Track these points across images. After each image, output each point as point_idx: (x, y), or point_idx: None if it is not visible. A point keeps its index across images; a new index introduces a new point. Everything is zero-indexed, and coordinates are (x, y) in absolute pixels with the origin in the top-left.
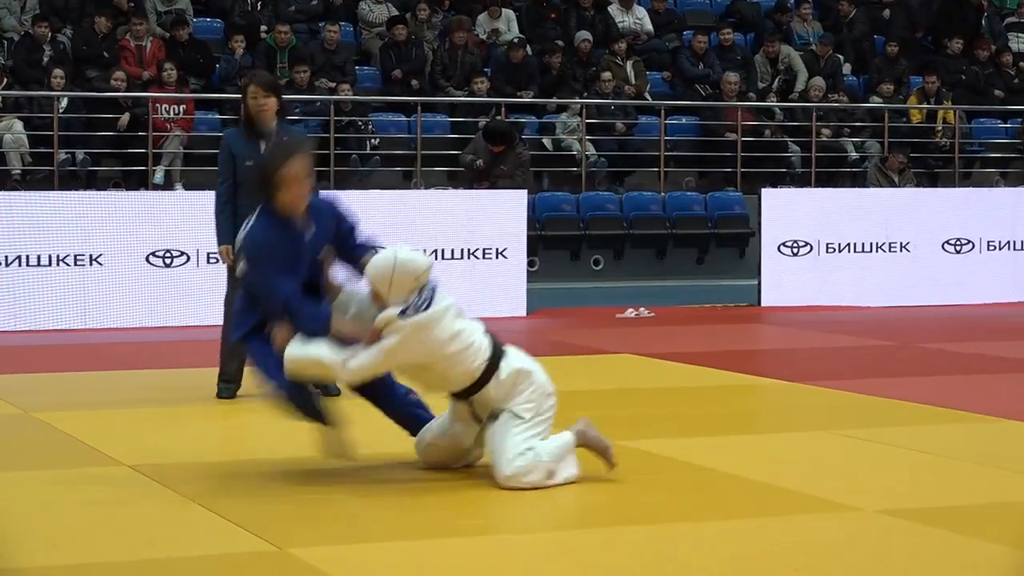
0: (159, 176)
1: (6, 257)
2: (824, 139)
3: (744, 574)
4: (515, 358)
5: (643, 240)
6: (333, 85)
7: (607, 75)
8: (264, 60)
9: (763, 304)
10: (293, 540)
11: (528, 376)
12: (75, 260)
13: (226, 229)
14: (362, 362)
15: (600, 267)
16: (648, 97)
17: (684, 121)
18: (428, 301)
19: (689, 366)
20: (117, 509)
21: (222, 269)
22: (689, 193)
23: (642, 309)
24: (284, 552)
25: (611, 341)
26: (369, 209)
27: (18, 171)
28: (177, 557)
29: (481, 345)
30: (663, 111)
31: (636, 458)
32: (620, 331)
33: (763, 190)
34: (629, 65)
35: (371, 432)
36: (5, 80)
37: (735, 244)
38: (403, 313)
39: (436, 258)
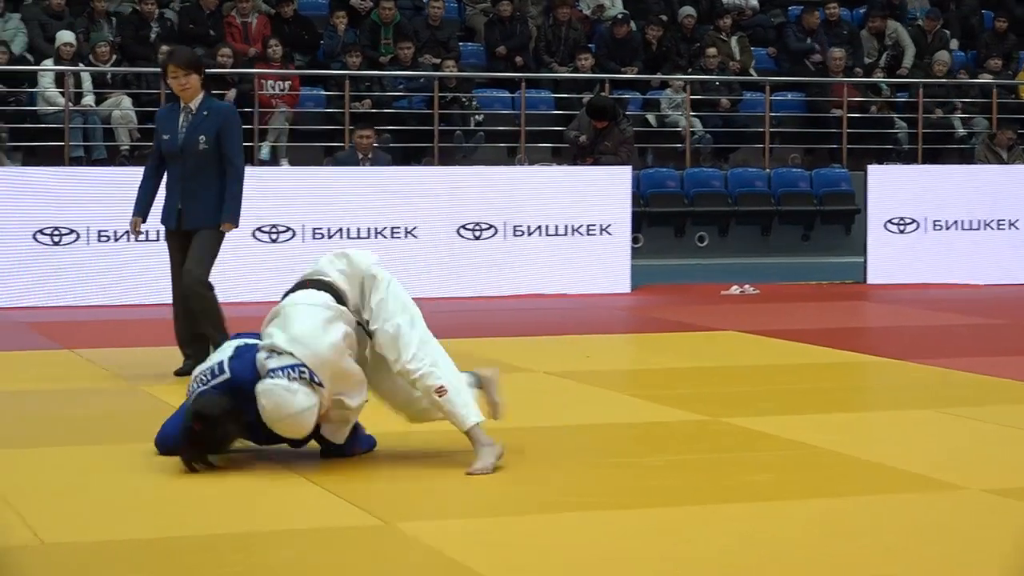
0: (265, 152)
1: (115, 232)
2: (932, 116)
3: (845, 552)
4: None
5: (748, 217)
6: (437, 61)
7: (712, 51)
8: (368, 36)
9: (869, 282)
10: (400, 515)
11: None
12: None
13: (142, 201)
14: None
15: (704, 244)
16: (753, 73)
17: (789, 97)
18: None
19: (794, 343)
20: (230, 482)
21: (328, 245)
22: (794, 169)
23: (747, 286)
24: (391, 526)
25: (715, 318)
26: (473, 185)
27: (126, 147)
28: (287, 530)
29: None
30: (768, 87)
31: (739, 435)
32: (724, 308)
33: (869, 167)
34: (734, 40)
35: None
36: (114, 57)
37: (841, 221)
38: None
39: (540, 234)
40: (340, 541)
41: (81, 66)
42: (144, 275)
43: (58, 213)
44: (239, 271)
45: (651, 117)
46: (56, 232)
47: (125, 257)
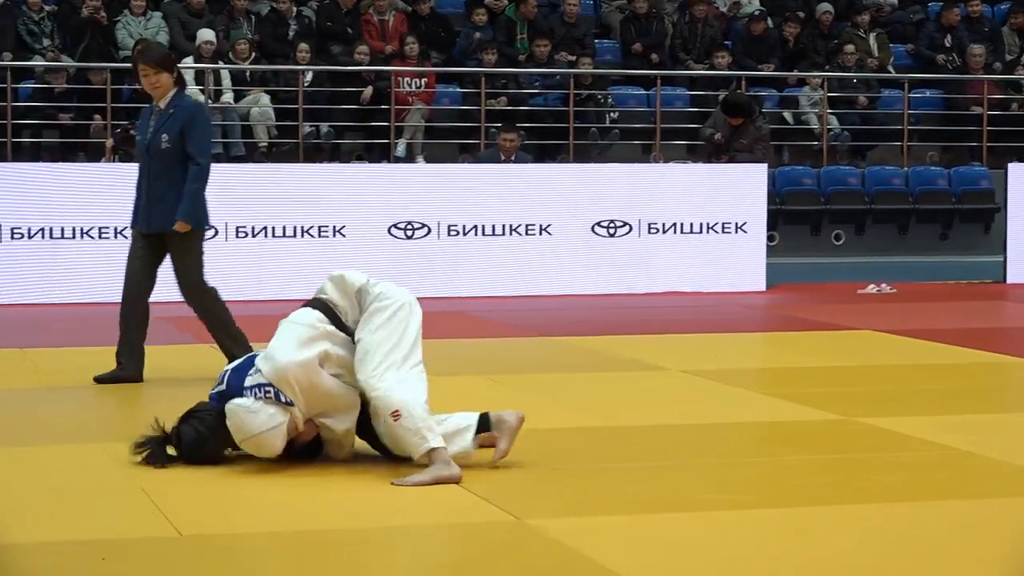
0: (401, 149)
1: (252, 228)
2: None
3: (980, 554)
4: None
5: (885, 215)
6: (573, 59)
7: (849, 48)
8: (504, 33)
9: (1008, 281)
10: (531, 511)
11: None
12: (319, 231)
13: (135, 210)
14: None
15: (841, 242)
16: (891, 70)
17: (928, 94)
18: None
19: (931, 343)
20: (367, 478)
21: (463, 241)
22: (933, 167)
23: (884, 285)
24: (522, 523)
25: (852, 317)
26: (608, 183)
27: (264, 144)
28: (419, 525)
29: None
30: (906, 84)
31: (875, 436)
32: (861, 307)
33: (1010, 164)
34: (872, 37)
35: (605, 406)
36: (253, 55)
37: (980, 219)
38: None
39: (675, 232)
40: (472, 537)
41: (220, 64)
42: (288, 270)
43: None
44: (375, 267)
45: (787, 114)
46: None
47: (264, 253)
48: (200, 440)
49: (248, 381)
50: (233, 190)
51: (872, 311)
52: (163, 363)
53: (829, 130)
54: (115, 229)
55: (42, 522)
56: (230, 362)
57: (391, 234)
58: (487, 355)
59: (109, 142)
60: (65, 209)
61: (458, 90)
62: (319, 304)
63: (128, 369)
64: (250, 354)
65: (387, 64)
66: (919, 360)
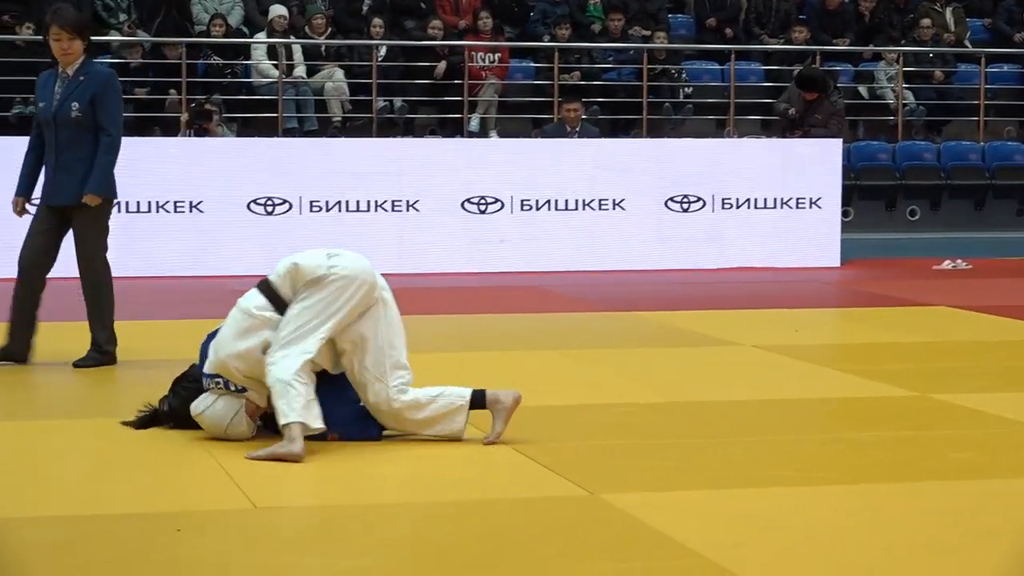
0: (474, 123)
1: (326, 202)
2: None
3: None
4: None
5: (961, 191)
6: (647, 33)
7: (926, 22)
8: (577, 7)
9: None
10: (605, 486)
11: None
12: (392, 206)
13: (24, 178)
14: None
15: (916, 218)
16: (968, 44)
17: (1005, 69)
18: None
19: (1007, 319)
20: (440, 451)
21: (535, 216)
22: (1010, 143)
23: (959, 261)
24: (596, 497)
25: (926, 293)
26: (682, 157)
27: (338, 118)
28: (491, 499)
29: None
30: (983, 59)
31: (948, 412)
32: (936, 283)
33: None
34: (948, 12)
35: (677, 381)
36: (329, 30)
37: None
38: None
39: (749, 207)
40: (545, 511)
41: (292, 38)
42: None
43: (271, 183)
44: (447, 242)
45: (863, 89)
46: (269, 202)
47: (337, 226)
48: (178, 415)
49: (205, 368)
50: (307, 165)
51: (947, 287)
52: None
53: (905, 105)
54: (190, 203)
55: (119, 494)
56: (92, 344)
57: (464, 209)
58: (558, 330)
59: (185, 116)
60: (141, 183)
61: (531, 65)
62: (265, 288)
63: (13, 348)
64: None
65: (460, 39)
66: (994, 337)
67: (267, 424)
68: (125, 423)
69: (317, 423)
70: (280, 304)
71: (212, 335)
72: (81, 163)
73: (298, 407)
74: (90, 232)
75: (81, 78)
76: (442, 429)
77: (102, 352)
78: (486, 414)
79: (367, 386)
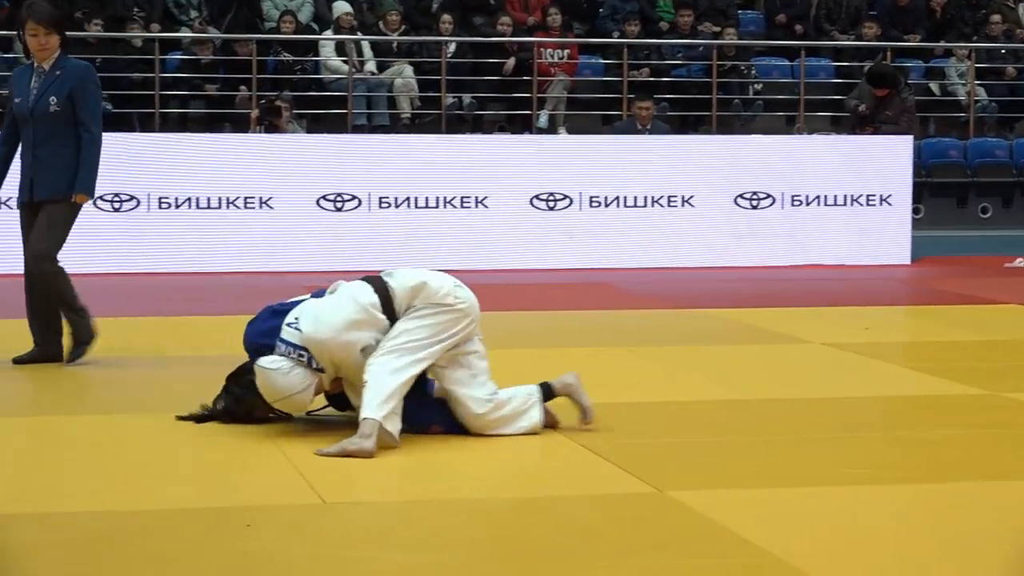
0: (543, 120)
1: (395, 198)
2: None
3: None
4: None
5: None
6: (717, 29)
7: (996, 18)
8: (647, 4)
9: None
10: (674, 483)
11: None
12: (461, 202)
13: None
14: None
15: (988, 215)
16: None
17: None
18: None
19: None
20: (508, 448)
21: (605, 212)
22: None
23: None
24: (664, 494)
25: (998, 291)
26: (751, 154)
27: (407, 114)
28: (560, 496)
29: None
30: None
31: (1020, 410)
32: (1008, 281)
33: None
34: (1021, 8)
35: (747, 378)
36: (403, 27)
37: None
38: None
39: (819, 204)
40: (613, 508)
41: (360, 35)
42: (431, 241)
43: (341, 180)
44: (516, 238)
45: (934, 86)
46: (338, 198)
47: (406, 223)
48: (236, 415)
49: (284, 333)
50: (376, 161)
51: (1019, 285)
52: None
53: (976, 101)
54: (260, 199)
55: (187, 489)
56: (36, 342)
57: (533, 205)
58: (627, 327)
59: (254, 113)
60: (211, 179)
61: (600, 61)
62: (383, 291)
63: (47, 349)
64: (266, 308)
65: (530, 35)
66: None
67: (332, 402)
68: (180, 417)
69: (393, 430)
70: (390, 310)
71: (252, 322)
72: (58, 158)
73: (384, 410)
74: (57, 230)
75: (57, 72)
76: (521, 426)
77: (82, 335)
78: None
79: (458, 399)
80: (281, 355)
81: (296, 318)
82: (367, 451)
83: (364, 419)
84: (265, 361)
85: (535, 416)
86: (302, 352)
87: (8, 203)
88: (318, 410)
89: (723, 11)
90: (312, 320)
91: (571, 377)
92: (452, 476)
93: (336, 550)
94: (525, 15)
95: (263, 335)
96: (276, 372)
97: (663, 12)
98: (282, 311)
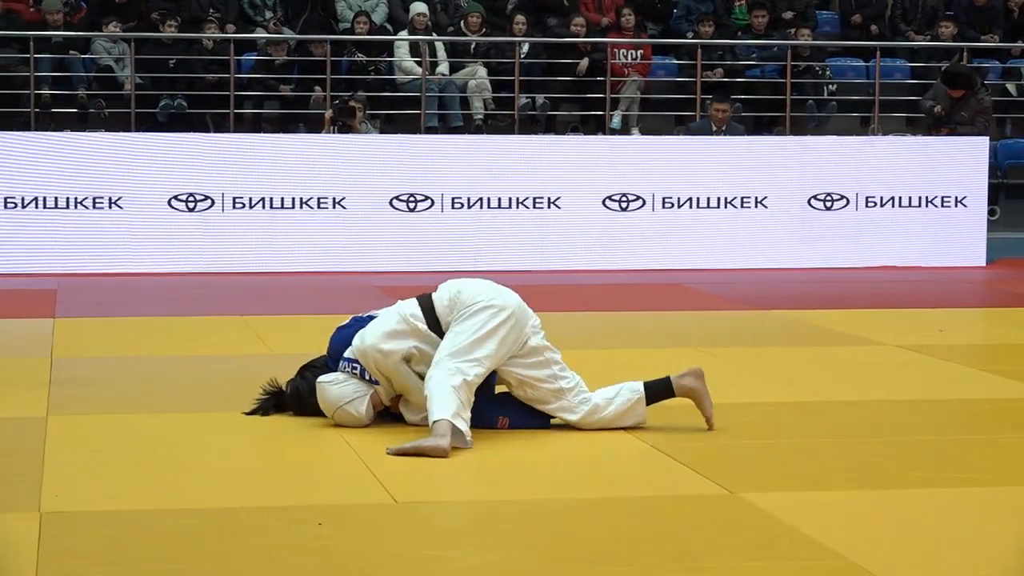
0: (616, 121)
1: (468, 199)
2: None
3: None
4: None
5: None
6: (791, 30)
7: None
8: (722, 3)
9: None
10: (744, 485)
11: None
12: (534, 203)
13: None
14: None
15: None
16: None
17: None
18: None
19: None
20: (574, 447)
21: (677, 213)
22: None
23: None
24: (736, 496)
25: None
26: (825, 155)
27: (480, 115)
28: (632, 496)
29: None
30: None
31: None
32: None
33: None
34: None
35: (819, 380)
36: (484, 28)
37: None
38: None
39: (893, 206)
40: (686, 509)
41: (434, 36)
42: (503, 241)
43: (414, 180)
44: (588, 239)
45: (1011, 86)
46: (411, 199)
47: (479, 223)
48: (304, 395)
49: (347, 351)
50: (449, 162)
51: None
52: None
53: None
54: (333, 199)
55: (260, 487)
56: None
57: (605, 206)
58: (699, 328)
59: (328, 113)
60: (285, 180)
61: (674, 62)
62: (426, 303)
63: None
64: (360, 315)
65: (603, 36)
66: None
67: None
68: (248, 412)
69: (464, 430)
70: (433, 321)
71: (341, 328)
72: None
73: (451, 410)
74: None
75: None
76: (626, 422)
77: None
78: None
79: (547, 405)
80: (340, 370)
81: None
82: (442, 449)
83: (436, 421)
84: (323, 377)
85: (639, 415)
86: (355, 364)
87: (8, 203)
88: None
89: (800, 12)
90: (361, 333)
91: (694, 380)
92: (523, 476)
93: (408, 549)
94: (599, 16)
95: (344, 342)
96: (329, 384)
97: (738, 20)
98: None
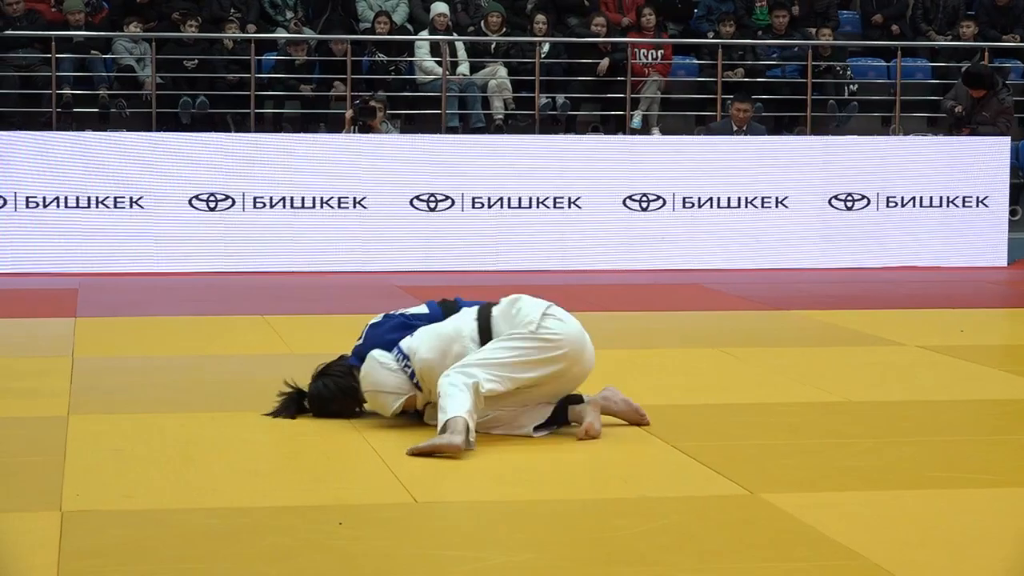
0: (636, 121)
1: (488, 199)
2: None
3: None
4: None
5: None
6: (812, 30)
7: None
8: (743, 4)
9: None
10: (765, 485)
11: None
12: (554, 203)
13: None
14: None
15: None
16: None
17: None
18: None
19: None
20: (593, 448)
21: (697, 213)
22: None
23: None
24: (756, 496)
25: None
26: (846, 155)
27: (501, 115)
28: (651, 497)
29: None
30: None
31: None
32: None
33: None
34: None
35: (839, 381)
36: (504, 28)
37: None
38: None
39: (914, 206)
40: (706, 510)
41: (455, 36)
42: (524, 241)
43: (434, 180)
44: (609, 239)
45: None
46: (432, 199)
47: (499, 223)
48: (326, 399)
49: (403, 342)
50: (469, 162)
51: None
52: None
53: None
54: (354, 199)
55: (280, 487)
56: None
57: (626, 206)
58: (719, 328)
59: (349, 113)
60: (305, 179)
61: (695, 61)
62: (483, 317)
63: None
64: (392, 312)
65: (624, 36)
66: None
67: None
68: (268, 414)
69: (472, 428)
70: (488, 338)
71: (375, 325)
72: None
73: (465, 408)
74: None
75: None
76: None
77: None
78: None
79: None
80: (394, 358)
81: (411, 333)
82: (456, 446)
83: (450, 418)
84: (378, 353)
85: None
86: (407, 363)
87: (30, 202)
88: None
89: (822, 12)
90: (420, 334)
91: (608, 392)
92: (543, 477)
93: (428, 549)
94: (620, 16)
95: (384, 345)
96: (382, 366)
97: (759, 20)
98: (409, 326)
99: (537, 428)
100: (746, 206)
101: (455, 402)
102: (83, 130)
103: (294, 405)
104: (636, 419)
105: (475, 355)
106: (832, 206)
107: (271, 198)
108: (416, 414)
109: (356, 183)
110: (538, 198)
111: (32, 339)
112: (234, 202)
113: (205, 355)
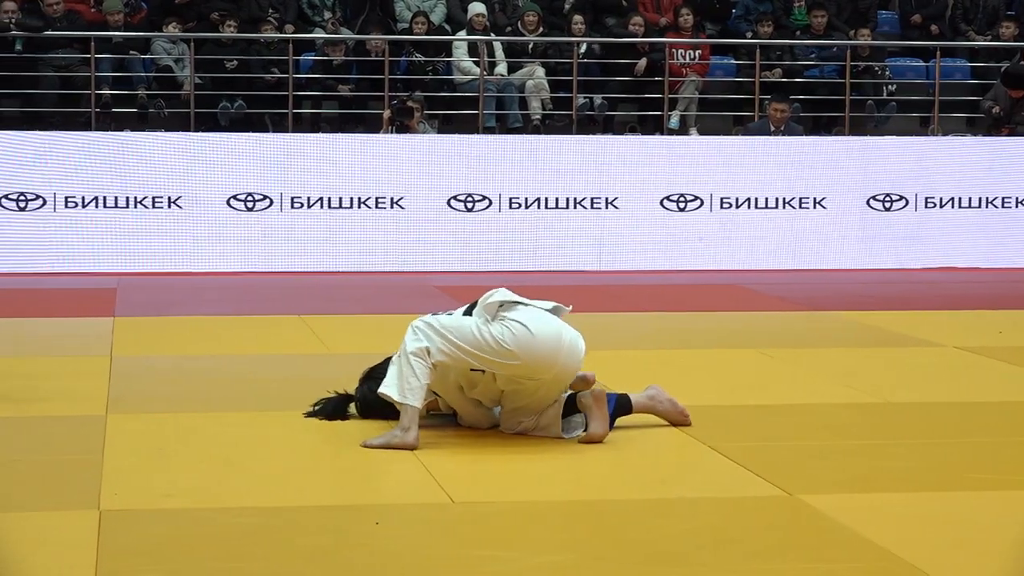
0: (674, 121)
1: (526, 199)
2: None
3: None
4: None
5: None
6: (851, 31)
7: None
8: (781, 4)
9: None
10: (803, 487)
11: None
12: (591, 203)
13: None
14: None
15: None
16: None
17: None
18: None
19: None
20: (631, 449)
21: (735, 214)
22: None
23: None
24: (794, 498)
25: None
26: (885, 156)
27: (538, 115)
28: (688, 498)
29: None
30: None
31: None
32: None
33: None
34: None
35: (878, 382)
36: (540, 28)
37: None
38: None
39: (953, 206)
40: (744, 511)
41: (492, 36)
42: (560, 241)
43: (471, 180)
44: (646, 239)
45: None
46: (469, 199)
47: (536, 223)
48: (370, 402)
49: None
50: (507, 162)
51: None
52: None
53: None
54: (391, 199)
55: (317, 486)
56: None
57: (663, 206)
58: (757, 329)
59: (386, 113)
60: (342, 179)
61: (732, 62)
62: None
63: None
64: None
65: (661, 36)
66: None
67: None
68: (307, 414)
69: (412, 402)
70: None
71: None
72: None
73: (395, 390)
74: None
75: None
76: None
77: None
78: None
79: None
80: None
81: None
82: (409, 445)
83: (405, 406)
84: (448, 321)
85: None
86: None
87: (69, 202)
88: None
89: (862, 12)
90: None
91: (654, 390)
92: (580, 477)
93: (465, 549)
94: (657, 16)
95: None
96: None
97: (797, 20)
98: None
99: (566, 430)
100: (784, 207)
101: (387, 381)
102: (122, 130)
103: (332, 406)
104: (679, 420)
105: (449, 320)
106: (870, 207)
107: (309, 198)
108: (451, 417)
109: (393, 183)
110: (575, 199)
111: (71, 338)
112: (272, 202)
113: (242, 355)
